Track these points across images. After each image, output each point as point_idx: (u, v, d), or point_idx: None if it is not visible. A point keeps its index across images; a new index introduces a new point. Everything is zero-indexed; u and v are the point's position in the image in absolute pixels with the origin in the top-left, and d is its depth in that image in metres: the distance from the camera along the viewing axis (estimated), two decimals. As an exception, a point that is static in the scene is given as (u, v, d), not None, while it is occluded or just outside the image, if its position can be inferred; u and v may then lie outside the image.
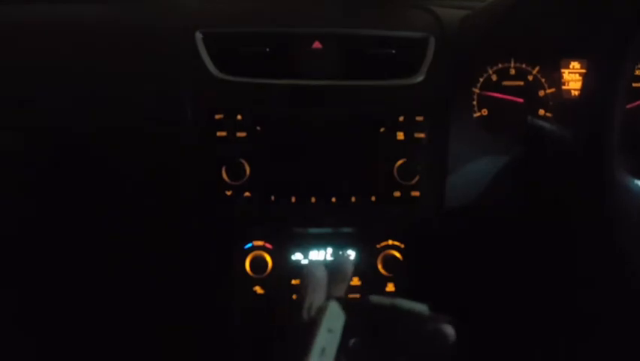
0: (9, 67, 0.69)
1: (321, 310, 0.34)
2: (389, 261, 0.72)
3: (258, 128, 0.67)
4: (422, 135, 0.67)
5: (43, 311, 0.87)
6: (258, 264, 0.71)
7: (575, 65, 0.73)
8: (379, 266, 0.72)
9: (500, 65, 0.72)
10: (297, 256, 0.73)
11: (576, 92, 0.73)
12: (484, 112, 0.73)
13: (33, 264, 0.82)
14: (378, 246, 0.73)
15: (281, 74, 0.66)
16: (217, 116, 0.67)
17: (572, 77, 0.73)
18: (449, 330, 0.35)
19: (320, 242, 0.73)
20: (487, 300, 0.82)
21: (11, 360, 0.85)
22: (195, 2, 0.73)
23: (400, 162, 0.67)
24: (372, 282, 0.73)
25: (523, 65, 0.72)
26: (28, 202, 0.75)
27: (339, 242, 0.74)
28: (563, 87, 0.73)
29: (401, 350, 0.36)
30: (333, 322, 0.34)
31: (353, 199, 0.67)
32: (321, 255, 0.73)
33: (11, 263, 0.81)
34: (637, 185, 0.52)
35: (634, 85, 0.73)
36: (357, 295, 0.72)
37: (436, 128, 0.67)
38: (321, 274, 0.46)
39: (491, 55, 0.72)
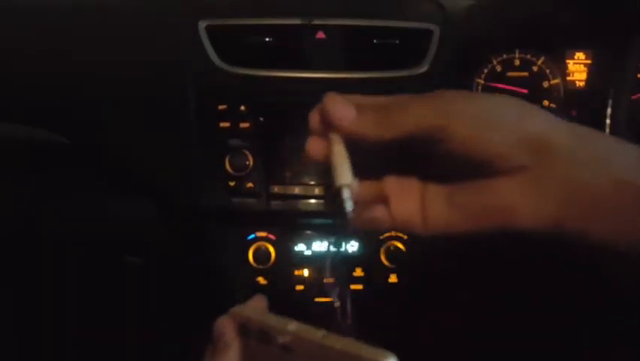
0: (9, 53, 0.69)
1: None
2: (392, 252, 0.72)
3: (262, 119, 0.67)
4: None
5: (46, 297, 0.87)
6: (261, 255, 0.71)
7: (580, 55, 0.72)
8: (382, 257, 0.73)
9: (505, 56, 0.72)
10: (300, 247, 0.73)
11: (581, 83, 0.72)
12: (489, 103, 0.72)
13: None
14: (381, 237, 0.73)
15: (285, 65, 0.66)
16: (220, 107, 0.67)
17: (577, 68, 0.72)
18: None
19: (323, 233, 0.74)
20: (491, 294, 0.82)
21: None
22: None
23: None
24: (375, 273, 0.73)
25: (528, 56, 0.72)
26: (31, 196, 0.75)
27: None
28: (568, 78, 0.72)
29: None
30: None
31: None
32: (324, 246, 0.74)
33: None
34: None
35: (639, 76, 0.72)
36: (360, 286, 0.73)
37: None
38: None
39: (496, 45, 0.72)
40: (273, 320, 0.34)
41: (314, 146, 0.34)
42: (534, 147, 0.29)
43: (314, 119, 0.34)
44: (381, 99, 0.32)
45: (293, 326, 0.33)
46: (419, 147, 0.31)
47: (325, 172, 0.33)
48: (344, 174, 0.32)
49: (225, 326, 0.36)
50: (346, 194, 0.32)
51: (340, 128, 0.32)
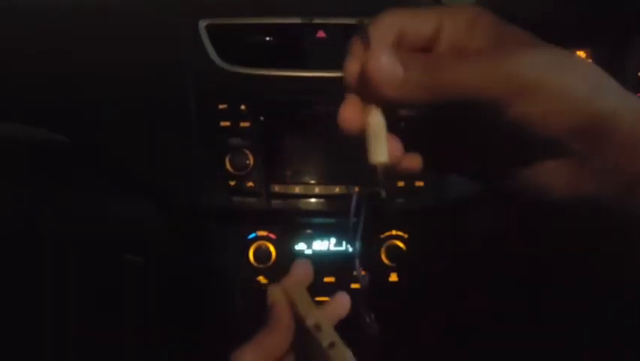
0: (9, 53, 0.69)
1: None
2: (392, 251, 0.72)
3: (262, 118, 0.67)
4: (426, 125, 0.67)
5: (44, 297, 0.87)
6: (262, 254, 0.72)
7: (581, 54, 0.72)
8: (383, 256, 0.73)
9: (505, 55, 0.72)
10: (300, 246, 0.73)
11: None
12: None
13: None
14: (381, 236, 0.73)
15: (285, 64, 0.66)
16: (221, 106, 0.67)
17: (577, 67, 0.73)
18: None
19: (323, 232, 0.74)
20: (490, 294, 0.82)
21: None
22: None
23: (403, 152, 0.67)
24: (376, 272, 0.73)
25: (528, 55, 0.72)
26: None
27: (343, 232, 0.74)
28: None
29: None
30: None
31: (357, 189, 0.67)
32: (324, 245, 0.74)
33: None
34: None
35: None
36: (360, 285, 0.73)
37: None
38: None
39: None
40: (304, 304, 0.35)
41: (349, 114, 0.28)
42: (597, 130, 0.25)
43: (351, 67, 0.28)
44: (427, 55, 0.27)
45: (312, 320, 0.34)
46: (460, 116, 0.27)
47: (353, 142, 0.29)
48: (381, 149, 0.27)
49: (276, 296, 0.36)
50: (381, 174, 0.28)
51: (384, 96, 0.26)
